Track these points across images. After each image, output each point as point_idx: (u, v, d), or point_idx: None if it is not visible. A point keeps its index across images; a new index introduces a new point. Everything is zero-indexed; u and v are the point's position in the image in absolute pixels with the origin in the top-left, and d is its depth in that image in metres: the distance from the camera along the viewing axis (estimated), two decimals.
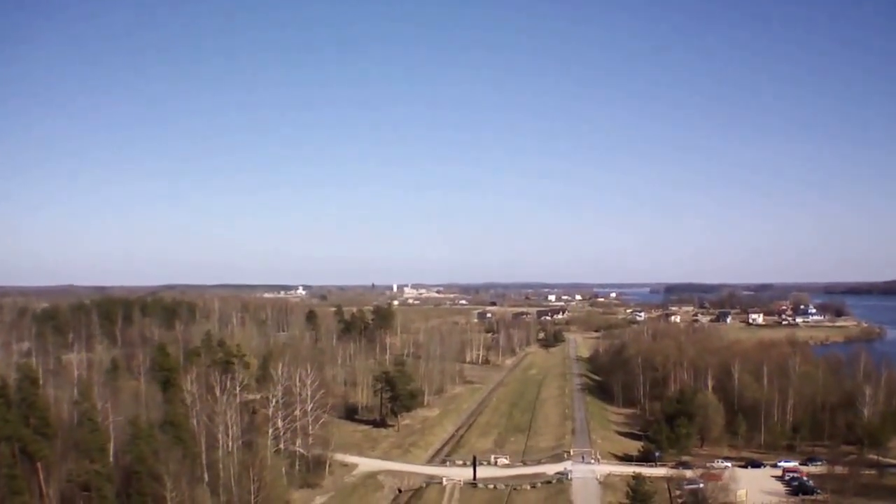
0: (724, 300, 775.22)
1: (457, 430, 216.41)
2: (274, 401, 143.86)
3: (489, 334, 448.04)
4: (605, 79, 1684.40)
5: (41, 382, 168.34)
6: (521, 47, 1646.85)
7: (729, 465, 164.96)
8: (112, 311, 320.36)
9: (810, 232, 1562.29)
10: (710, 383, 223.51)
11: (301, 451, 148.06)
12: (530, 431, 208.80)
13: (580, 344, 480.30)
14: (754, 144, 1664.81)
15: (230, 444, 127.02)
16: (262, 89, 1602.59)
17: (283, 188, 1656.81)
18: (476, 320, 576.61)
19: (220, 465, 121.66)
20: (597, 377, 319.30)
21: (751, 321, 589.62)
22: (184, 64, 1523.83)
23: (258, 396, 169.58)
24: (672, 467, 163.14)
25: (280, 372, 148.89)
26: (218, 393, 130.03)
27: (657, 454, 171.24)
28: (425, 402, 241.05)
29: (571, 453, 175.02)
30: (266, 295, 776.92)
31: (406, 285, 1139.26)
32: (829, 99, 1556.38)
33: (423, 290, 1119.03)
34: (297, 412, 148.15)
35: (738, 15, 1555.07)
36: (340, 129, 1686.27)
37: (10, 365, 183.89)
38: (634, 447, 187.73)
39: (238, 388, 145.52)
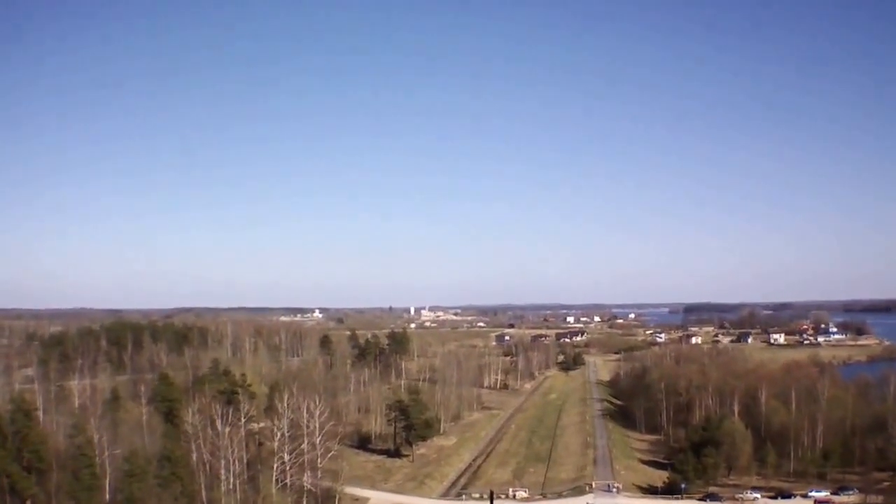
0: (744, 320, 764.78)
1: (474, 460, 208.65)
2: (279, 433, 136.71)
3: (507, 358, 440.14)
4: (621, 93, 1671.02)
5: (41, 412, 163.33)
6: (539, 56, 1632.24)
7: (758, 496, 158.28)
8: (121, 335, 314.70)
9: (828, 249, 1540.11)
10: (735, 409, 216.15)
11: (308, 485, 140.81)
12: (550, 461, 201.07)
13: (600, 367, 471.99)
14: (771, 161, 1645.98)
15: (232, 479, 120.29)
16: (279, 112, 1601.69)
17: (301, 210, 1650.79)
18: (494, 343, 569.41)
19: (222, 503, 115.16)
20: (618, 402, 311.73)
21: (772, 341, 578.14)
22: (200, 87, 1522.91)
23: (261, 425, 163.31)
24: (700, 499, 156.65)
25: (286, 403, 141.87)
26: (220, 425, 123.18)
27: (683, 486, 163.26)
28: (441, 430, 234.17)
29: (594, 485, 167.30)
30: (282, 318, 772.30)
31: (423, 307, 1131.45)
32: (846, 114, 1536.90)
33: (440, 313, 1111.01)
34: (305, 445, 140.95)
35: (767, 20, 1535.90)
36: (359, 150, 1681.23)
37: (10, 393, 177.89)
38: (659, 477, 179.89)
39: (243, 420, 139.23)
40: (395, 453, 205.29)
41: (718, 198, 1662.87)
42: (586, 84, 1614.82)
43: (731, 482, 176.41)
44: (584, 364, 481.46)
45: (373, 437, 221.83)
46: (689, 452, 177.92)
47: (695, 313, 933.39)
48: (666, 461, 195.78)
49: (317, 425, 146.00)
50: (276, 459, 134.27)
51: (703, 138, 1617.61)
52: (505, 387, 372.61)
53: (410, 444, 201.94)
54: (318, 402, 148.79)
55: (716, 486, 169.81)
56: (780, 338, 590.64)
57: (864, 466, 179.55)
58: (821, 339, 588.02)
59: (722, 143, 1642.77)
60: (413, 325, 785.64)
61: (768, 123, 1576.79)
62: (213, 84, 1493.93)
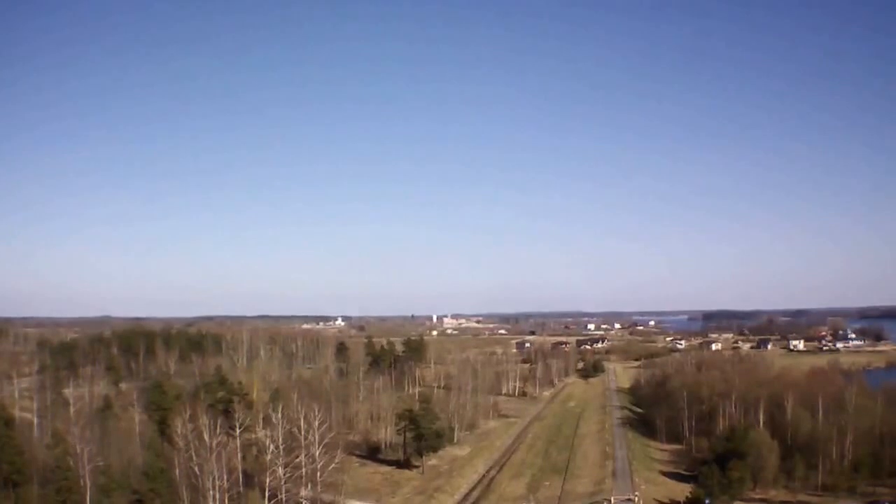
0: (762, 327, 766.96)
1: (487, 471, 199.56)
2: (272, 446, 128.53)
3: (527, 365, 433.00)
4: (636, 101, 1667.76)
5: (37, 420, 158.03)
6: (557, 59, 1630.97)
7: None
8: (133, 343, 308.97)
9: (843, 255, 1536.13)
10: (760, 418, 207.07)
11: (306, 502, 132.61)
12: (567, 473, 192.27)
13: (620, 374, 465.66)
14: (786, 168, 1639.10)
15: (219, 496, 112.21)
16: (300, 122, 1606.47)
17: (325, 218, 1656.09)
18: (515, 350, 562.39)
19: None
20: (638, 410, 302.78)
21: (792, 348, 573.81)
22: (218, 97, 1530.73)
23: (258, 435, 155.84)
24: None
25: (280, 412, 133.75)
26: (206, 437, 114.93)
27: (707, 501, 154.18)
28: (455, 440, 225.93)
29: (612, 500, 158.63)
30: (304, 326, 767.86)
31: (446, 315, 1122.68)
32: (861, 119, 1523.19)
33: (462, 320, 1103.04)
34: (303, 457, 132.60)
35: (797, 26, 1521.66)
36: (382, 159, 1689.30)
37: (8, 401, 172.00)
38: (681, 490, 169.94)
39: (238, 431, 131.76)
40: (405, 464, 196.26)
41: (734, 206, 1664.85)
42: (601, 91, 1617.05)
43: (756, 496, 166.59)
44: (603, 371, 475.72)
45: (383, 447, 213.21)
46: (713, 465, 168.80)
47: (714, 320, 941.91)
48: (688, 473, 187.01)
49: (316, 436, 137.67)
50: (269, 473, 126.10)
51: (718, 147, 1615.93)
52: (523, 394, 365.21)
53: (421, 455, 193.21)
54: (317, 412, 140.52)
55: (741, 502, 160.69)
56: (800, 344, 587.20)
57: (895, 478, 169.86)
58: (839, 345, 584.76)
59: (737, 151, 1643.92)
60: (435, 333, 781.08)
61: (782, 131, 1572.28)
62: (234, 94, 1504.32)
